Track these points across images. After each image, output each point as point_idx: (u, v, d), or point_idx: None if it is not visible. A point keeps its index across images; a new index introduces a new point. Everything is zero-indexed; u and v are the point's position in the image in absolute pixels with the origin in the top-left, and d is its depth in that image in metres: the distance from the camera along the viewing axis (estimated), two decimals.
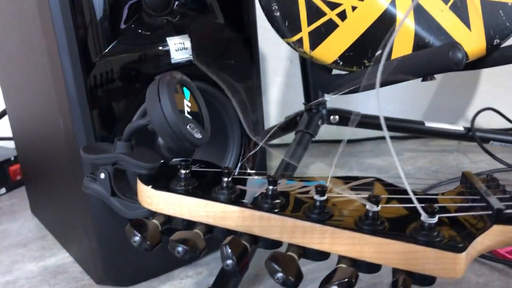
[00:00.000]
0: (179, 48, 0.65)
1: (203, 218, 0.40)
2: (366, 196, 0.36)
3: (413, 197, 0.35)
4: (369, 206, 0.36)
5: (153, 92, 0.39)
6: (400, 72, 0.58)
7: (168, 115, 0.38)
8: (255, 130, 0.80)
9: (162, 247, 0.71)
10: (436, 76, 1.04)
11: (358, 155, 1.12)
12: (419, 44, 0.67)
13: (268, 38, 1.10)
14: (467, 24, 0.72)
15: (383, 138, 1.18)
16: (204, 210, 0.40)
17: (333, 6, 0.61)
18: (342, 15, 0.62)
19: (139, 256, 0.70)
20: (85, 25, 0.59)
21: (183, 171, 0.41)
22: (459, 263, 0.33)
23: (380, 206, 0.36)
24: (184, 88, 0.42)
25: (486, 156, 1.00)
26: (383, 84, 0.65)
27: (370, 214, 0.36)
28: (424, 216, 0.34)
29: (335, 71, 0.72)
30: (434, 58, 0.54)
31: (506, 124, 1.13)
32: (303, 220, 0.37)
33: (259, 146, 0.46)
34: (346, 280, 0.33)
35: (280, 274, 0.34)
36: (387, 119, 1.02)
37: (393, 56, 0.66)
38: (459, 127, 1.01)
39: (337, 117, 0.97)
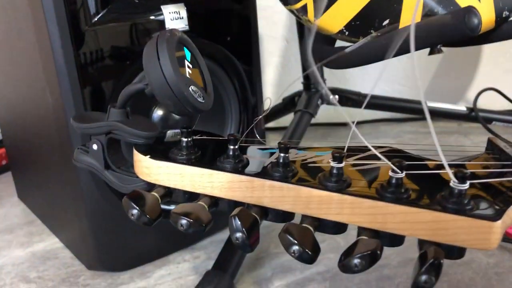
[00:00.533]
0: (174, 17, 0.61)
1: (208, 189, 0.36)
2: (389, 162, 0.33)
3: (444, 160, 0.32)
4: (392, 172, 0.32)
5: (151, 50, 0.35)
6: (406, 42, 0.55)
7: (168, 75, 0.35)
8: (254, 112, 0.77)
9: (157, 230, 0.68)
10: (438, 55, 1.00)
11: (356, 137, 1.09)
12: (427, 14, 0.64)
13: (264, 17, 1.07)
14: None
15: (381, 120, 1.16)
16: (209, 180, 0.36)
17: None
18: None
19: (133, 240, 0.66)
20: None
21: (185, 139, 0.37)
22: (494, 233, 0.30)
23: (404, 172, 0.32)
24: (185, 48, 0.38)
25: (482, 138, 0.98)
26: (395, 55, 0.62)
27: (394, 181, 0.32)
28: (454, 182, 0.31)
29: (337, 44, 0.69)
30: (449, 23, 0.51)
31: (506, 105, 1.11)
32: (319, 189, 0.33)
33: (258, 119, 0.43)
34: (370, 252, 0.30)
35: (296, 247, 0.31)
36: (388, 99, 0.99)
37: (401, 26, 0.63)
38: (461, 107, 0.98)
39: (336, 96, 0.93)
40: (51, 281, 0.65)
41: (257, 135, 0.40)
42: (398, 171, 0.32)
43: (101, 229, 0.63)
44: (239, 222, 0.32)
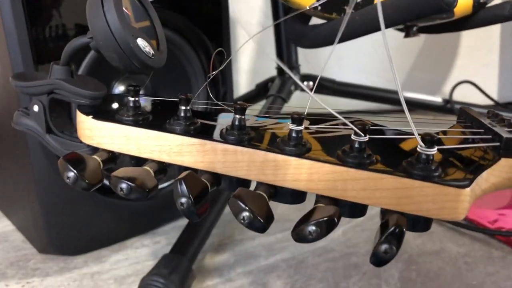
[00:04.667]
0: None
1: (155, 154, 0.33)
2: (350, 124, 0.30)
3: (412, 124, 0.29)
4: (354, 136, 0.30)
5: None
6: (387, 16, 0.52)
7: (113, 24, 0.31)
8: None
9: (115, 214, 0.64)
10: (414, 46, 0.98)
11: None
12: None
13: (239, 2, 1.04)
14: None
15: (355, 112, 1.14)
16: (157, 144, 0.33)
17: None
18: None
19: (89, 222, 0.62)
20: None
21: (131, 98, 0.34)
22: (462, 201, 0.28)
23: (367, 136, 0.30)
24: (135, 0, 0.35)
25: None
26: (366, 33, 0.59)
27: (356, 145, 0.30)
28: (420, 147, 0.28)
29: (312, 22, 0.66)
30: (415, 1, 0.49)
31: (481, 100, 1.10)
32: (276, 153, 0.30)
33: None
34: (326, 218, 0.27)
35: (246, 213, 0.28)
36: (363, 87, 0.97)
37: (376, 1, 0.60)
38: (437, 99, 0.97)
39: (310, 83, 0.91)
40: None
41: (212, 97, 0.37)
42: (361, 133, 0.29)
43: (54, 211, 0.59)
44: (185, 187, 0.29)
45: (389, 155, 0.31)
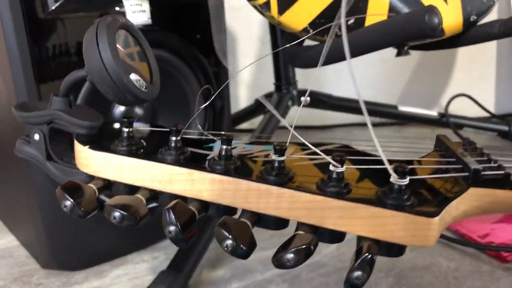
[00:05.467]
0: (136, 10, 0.60)
1: (148, 182, 0.35)
2: (330, 156, 0.32)
3: (383, 157, 0.31)
4: (332, 166, 0.32)
5: (91, 35, 0.34)
6: (374, 40, 0.55)
7: (106, 61, 0.33)
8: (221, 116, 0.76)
9: (116, 229, 0.66)
10: (413, 60, 1.00)
11: (329, 141, 1.09)
12: (393, 14, 0.64)
13: (239, 18, 1.06)
14: None
15: (355, 124, 1.16)
16: (149, 173, 0.35)
17: None
18: None
19: (90, 238, 0.64)
20: None
21: (125, 129, 0.36)
22: (431, 229, 0.29)
23: (345, 167, 0.32)
24: (129, 34, 0.37)
25: None
26: (357, 54, 0.61)
27: (334, 175, 0.31)
28: (393, 178, 0.30)
29: (306, 43, 0.68)
30: (410, 22, 0.51)
31: (478, 112, 1.11)
32: (258, 182, 0.32)
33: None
34: (304, 247, 0.29)
35: (229, 241, 0.30)
36: (358, 102, 0.98)
37: (367, 24, 0.63)
38: (433, 113, 0.98)
39: (308, 98, 0.93)
40: (2, 280, 0.63)
41: (199, 127, 0.39)
42: (338, 165, 0.31)
43: (55, 227, 0.62)
44: (173, 216, 0.31)
45: (366, 183, 0.33)
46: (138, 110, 0.69)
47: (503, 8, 1.05)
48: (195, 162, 0.35)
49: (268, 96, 0.96)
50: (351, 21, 0.61)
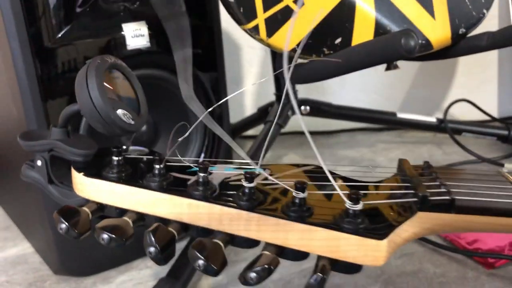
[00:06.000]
0: (135, 34, 0.64)
1: (135, 206, 0.39)
2: (294, 182, 0.35)
3: (335, 184, 0.34)
4: (295, 192, 0.35)
5: (81, 77, 0.38)
6: (356, 60, 0.58)
7: (95, 100, 0.38)
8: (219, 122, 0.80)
9: None
10: (413, 66, 1.01)
11: (332, 146, 1.12)
12: (379, 32, 0.67)
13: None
14: (431, 13, 0.72)
15: (358, 129, 1.18)
16: (135, 198, 0.39)
17: None
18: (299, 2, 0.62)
19: (97, 246, 0.69)
20: (36, 7, 0.58)
21: (115, 158, 0.40)
22: (380, 250, 0.33)
23: (306, 192, 0.35)
24: (118, 72, 0.41)
25: (459, 148, 1.00)
26: (340, 73, 0.65)
27: (296, 201, 0.35)
28: (348, 203, 0.34)
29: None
30: (387, 45, 0.54)
31: (481, 116, 1.13)
32: (229, 207, 0.36)
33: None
34: (266, 267, 0.33)
35: (201, 262, 0.34)
36: (359, 110, 1.01)
37: (353, 44, 0.66)
38: (431, 118, 1.00)
39: (308, 107, 0.96)
40: (19, 285, 0.69)
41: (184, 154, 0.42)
42: (300, 192, 0.35)
43: (64, 236, 0.66)
44: (153, 238, 0.35)
45: (326, 206, 0.36)
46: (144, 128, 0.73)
47: (503, 17, 1.07)
48: (176, 187, 0.39)
49: (270, 105, 0.99)
50: (338, 40, 0.65)
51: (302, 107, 0.96)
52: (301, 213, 0.35)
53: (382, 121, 1.02)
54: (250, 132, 1.13)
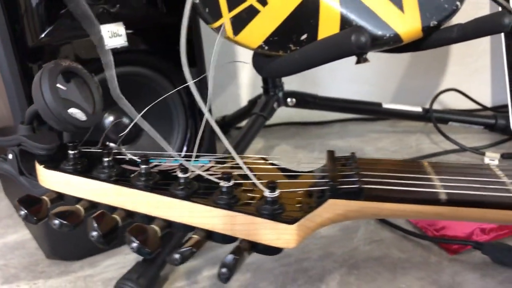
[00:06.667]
0: (113, 35, 0.69)
1: (87, 195, 0.44)
2: (221, 174, 0.39)
3: (250, 175, 0.38)
4: (222, 182, 0.39)
5: (36, 80, 0.43)
6: (311, 57, 0.61)
7: (48, 100, 0.42)
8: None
9: None
10: (405, 55, 1.02)
11: (324, 136, 1.15)
12: (345, 27, 0.69)
13: None
14: (400, 7, 0.74)
15: (351, 120, 1.20)
16: (88, 187, 0.43)
17: None
18: (263, 1, 0.64)
19: (85, 233, 0.74)
20: (19, 8, 0.62)
21: (71, 152, 0.44)
22: (291, 234, 0.36)
23: (232, 182, 0.39)
24: (73, 74, 0.45)
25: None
26: (302, 69, 0.67)
27: (224, 190, 0.39)
28: (266, 192, 0.37)
29: None
30: (339, 42, 0.56)
31: (474, 105, 1.14)
32: (166, 196, 0.40)
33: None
34: (189, 248, 0.37)
35: (134, 244, 0.38)
36: (344, 101, 1.04)
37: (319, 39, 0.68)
38: (417, 108, 1.02)
39: (294, 99, 0.99)
40: (15, 268, 0.74)
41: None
42: (226, 182, 0.39)
43: None
44: (95, 224, 0.39)
45: (249, 194, 0.40)
46: (126, 120, 0.78)
47: (494, 6, 1.07)
48: (123, 178, 0.43)
49: (259, 97, 1.03)
50: (304, 36, 0.68)
51: (289, 99, 0.99)
52: (227, 200, 0.39)
53: (368, 112, 1.04)
54: (244, 123, 1.16)
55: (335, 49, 0.58)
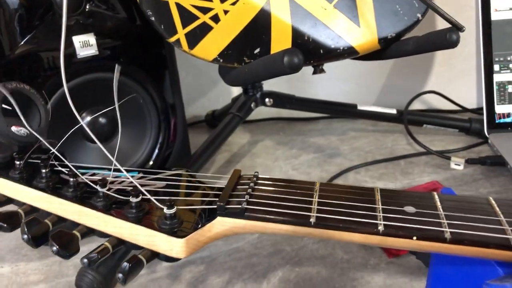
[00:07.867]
0: (84, 45, 0.75)
1: (29, 201, 0.51)
2: (131, 189, 0.45)
3: (150, 196, 0.44)
4: (131, 198, 0.45)
5: None
6: (256, 72, 0.65)
7: None
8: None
9: None
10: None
11: (306, 133, 1.19)
12: (298, 42, 0.73)
13: None
14: (356, 21, 0.77)
15: (335, 117, 1.24)
16: (29, 195, 0.50)
17: (205, 10, 0.68)
18: (215, 18, 0.69)
19: None
20: None
21: (17, 162, 0.51)
22: (180, 246, 0.42)
23: (140, 198, 0.45)
24: (19, 94, 0.52)
25: (424, 138, 1.05)
26: (253, 81, 0.72)
27: (133, 204, 0.45)
28: (165, 209, 0.43)
29: None
30: (271, 64, 0.61)
31: (457, 106, 1.16)
32: (86, 206, 0.47)
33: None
34: (95, 255, 0.43)
35: (54, 248, 0.44)
36: (320, 102, 1.08)
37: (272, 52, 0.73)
38: (392, 110, 1.05)
39: (271, 100, 1.04)
40: (1, 250, 0.83)
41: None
42: (135, 198, 0.45)
43: None
44: (25, 228, 0.46)
45: (155, 210, 0.46)
46: (102, 120, 0.85)
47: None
48: (55, 187, 0.50)
49: (238, 98, 1.08)
50: (257, 50, 0.72)
51: (267, 99, 1.03)
52: (135, 214, 0.45)
53: (343, 113, 1.08)
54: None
55: (273, 68, 0.62)
